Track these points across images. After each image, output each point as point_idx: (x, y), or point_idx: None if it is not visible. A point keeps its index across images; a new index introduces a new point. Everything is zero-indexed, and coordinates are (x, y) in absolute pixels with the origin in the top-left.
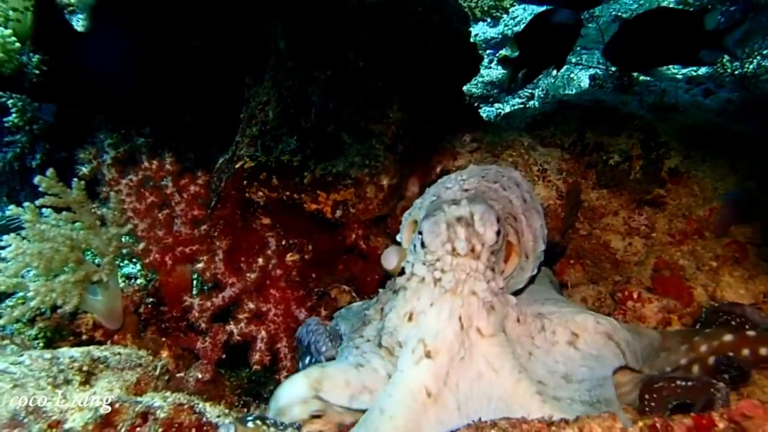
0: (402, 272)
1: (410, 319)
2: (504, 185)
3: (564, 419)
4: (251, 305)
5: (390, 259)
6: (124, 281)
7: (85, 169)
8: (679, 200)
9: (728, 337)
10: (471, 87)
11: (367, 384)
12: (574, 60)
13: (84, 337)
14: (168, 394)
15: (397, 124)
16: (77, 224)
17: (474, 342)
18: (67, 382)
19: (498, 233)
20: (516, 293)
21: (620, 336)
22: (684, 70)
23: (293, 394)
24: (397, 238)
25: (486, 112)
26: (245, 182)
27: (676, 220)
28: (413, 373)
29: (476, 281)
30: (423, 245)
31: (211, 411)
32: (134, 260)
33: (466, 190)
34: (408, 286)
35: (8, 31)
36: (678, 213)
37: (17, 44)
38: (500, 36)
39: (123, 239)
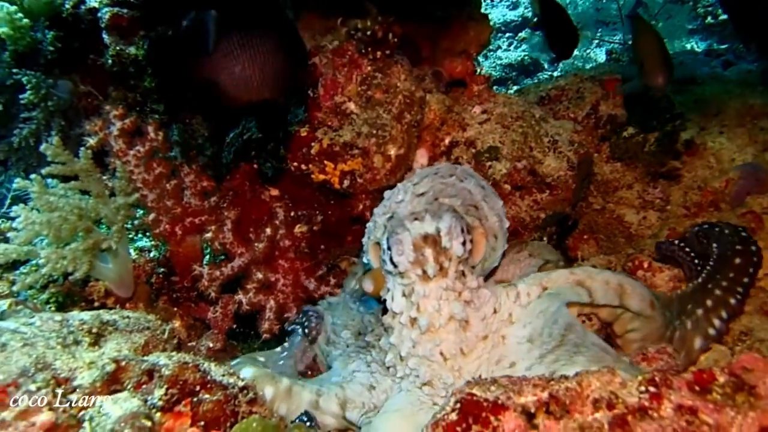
0: (385, 303)
1: (401, 359)
2: (459, 177)
3: (563, 375)
4: (260, 275)
5: (368, 286)
6: (137, 253)
7: (92, 141)
8: (694, 172)
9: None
10: (489, 69)
11: (377, 404)
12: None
13: (96, 304)
14: (173, 353)
15: (404, 94)
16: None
17: (461, 365)
18: (77, 342)
19: (464, 243)
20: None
21: (594, 283)
22: (704, 44)
23: (327, 410)
24: (365, 260)
25: None
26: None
27: (692, 193)
28: (417, 393)
29: (450, 303)
30: (393, 264)
31: (216, 370)
32: (147, 233)
33: (422, 194)
34: (393, 326)
35: (14, 8)
36: (693, 185)
37: (26, 20)
38: (520, 18)
39: (137, 213)
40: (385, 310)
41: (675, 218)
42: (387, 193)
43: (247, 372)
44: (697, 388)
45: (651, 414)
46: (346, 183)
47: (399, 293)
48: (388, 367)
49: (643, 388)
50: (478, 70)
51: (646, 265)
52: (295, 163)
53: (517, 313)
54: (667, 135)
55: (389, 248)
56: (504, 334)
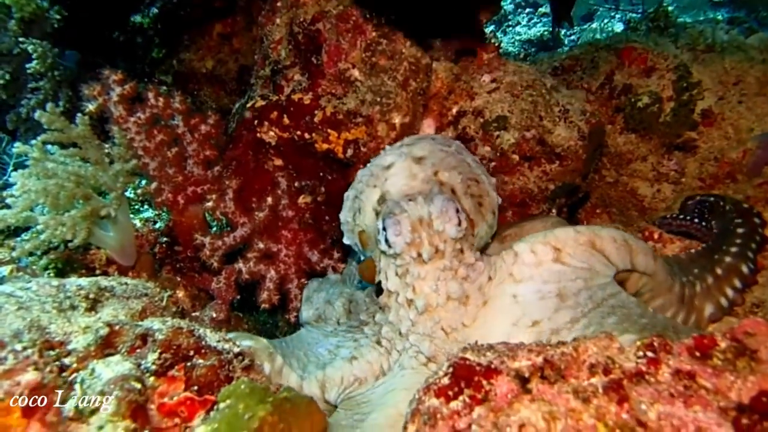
0: (380, 285)
1: (401, 335)
2: (458, 149)
3: (561, 341)
4: (261, 245)
5: (364, 275)
6: (142, 223)
7: (90, 106)
8: (711, 143)
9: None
10: (508, 45)
11: (359, 376)
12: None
13: (97, 272)
14: (168, 318)
15: (409, 60)
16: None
17: (466, 335)
18: (73, 307)
19: (459, 224)
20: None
21: (603, 243)
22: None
23: (310, 393)
24: (352, 245)
25: None
26: (256, 122)
27: (708, 164)
28: (424, 370)
29: (447, 283)
30: (388, 244)
31: (212, 336)
32: (153, 204)
33: (421, 159)
34: (390, 305)
35: None
36: (710, 156)
37: None
38: None
39: (139, 182)
40: (379, 291)
41: (690, 190)
42: (365, 169)
43: (246, 344)
44: (697, 353)
45: (647, 379)
46: (350, 152)
47: (392, 273)
48: (380, 341)
49: (641, 353)
50: (489, 38)
51: (656, 236)
52: (298, 132)
53: (521, 272)
54: (684, 105)
55: (384, 229)
56: (514, 293)
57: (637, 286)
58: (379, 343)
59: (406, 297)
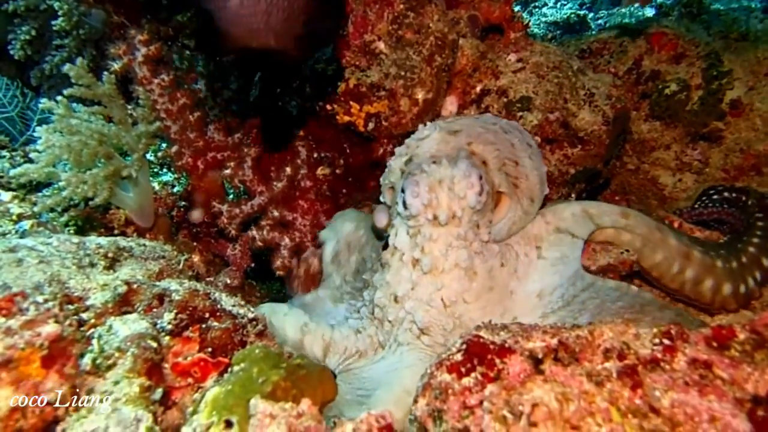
0: (387, 240)
1: (396, 300)
2: (504, 128)
3: (576, 324)
4: (276, 213)
5: (380, 219)
6: (161, 186)
7: (116, 65)
8: (738, 134)
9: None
10: (534, 27)
11: (360, 348)
12: None
13: (116, 232)
14: (185, 281)
15: (436, 35)
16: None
17: (463, 311)
18: (92, 265)
19: (480, 193)
20: None
21: (567, 224)
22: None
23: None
24: (381, 200)
25: None
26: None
27: (733, 155)
28: (418, 344)
29: (458, 251)
30: (405, 206)
31: (227, 300)
32: (172, 168)
33: (455, 132)
34: (391, 263)
35: None
36: (735, 148)
37: None
38: None
39: (160, 145)
40: (385, 246)
41: (712, 181)
42: (415, 135)
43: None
44: (714, 343)
45: (663, 366)
46: (371, 126)
47: (404, 231)
48: (374, 309)
49: (657, 341)
50: (517, 17)
51: (676, 225)
52: (320, 103)
53: (524, 269)
54: (712, 93)
55: (403, 191)
56: (512, 288)
57: (625, 244)
58: (373, 312)
59: (413, 255)
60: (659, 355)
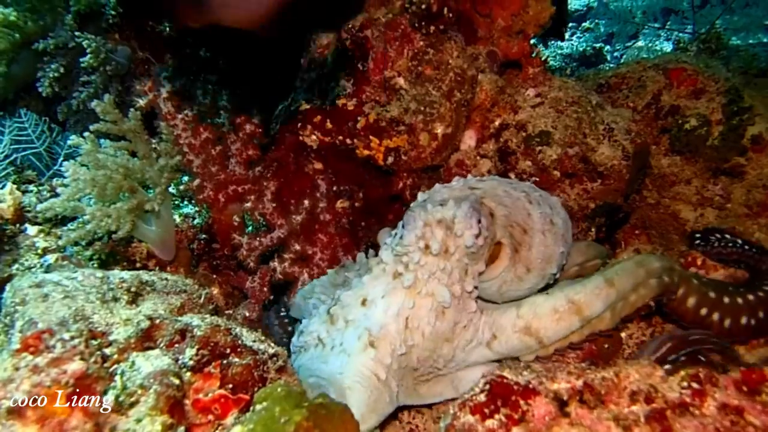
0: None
1: (363, 303)
2: (532, 199)
3: (602, 365)
4: (297, 247)
5: (383, 239)
6: (181, 219)
7: (141, 102)
8: (760, 170)
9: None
10: (549, 59)
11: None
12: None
13: (138, 265)
14: (207, 315)
15: (455, 71)
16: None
17: (416, 342)
18: (115, 299)
19: (477, 236)
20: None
21: (540, 324)
22: None
23: None
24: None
25: None
26: (299, 125)
27: (755, 191)
28: (361, 359)
29: (438, 283)
30: (401, 236)
31: (248, 335)
32: (192, 200)
33: (473, 188)
34: (373, 270)
35: None
36: (758, 183)
37: None
38: (584, 8)
39: (182, 178)
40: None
41: (735, 217)
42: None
43: None
44: (744, 388)
45: (692, 411)
46: (390, 160)
47: (391, 253)
48: (335, 305)
49: (685, 384)
50: (535, 53)
51: (699, 262)
52: (340, 137)
53: (472, 349)
54: (733, 129)
55: (403, 226)
56: (457, 358)
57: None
58: (329, 310)
59: (396, 269)
60: (688, 399)
